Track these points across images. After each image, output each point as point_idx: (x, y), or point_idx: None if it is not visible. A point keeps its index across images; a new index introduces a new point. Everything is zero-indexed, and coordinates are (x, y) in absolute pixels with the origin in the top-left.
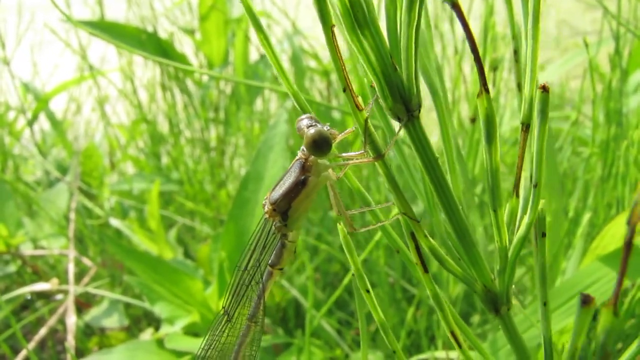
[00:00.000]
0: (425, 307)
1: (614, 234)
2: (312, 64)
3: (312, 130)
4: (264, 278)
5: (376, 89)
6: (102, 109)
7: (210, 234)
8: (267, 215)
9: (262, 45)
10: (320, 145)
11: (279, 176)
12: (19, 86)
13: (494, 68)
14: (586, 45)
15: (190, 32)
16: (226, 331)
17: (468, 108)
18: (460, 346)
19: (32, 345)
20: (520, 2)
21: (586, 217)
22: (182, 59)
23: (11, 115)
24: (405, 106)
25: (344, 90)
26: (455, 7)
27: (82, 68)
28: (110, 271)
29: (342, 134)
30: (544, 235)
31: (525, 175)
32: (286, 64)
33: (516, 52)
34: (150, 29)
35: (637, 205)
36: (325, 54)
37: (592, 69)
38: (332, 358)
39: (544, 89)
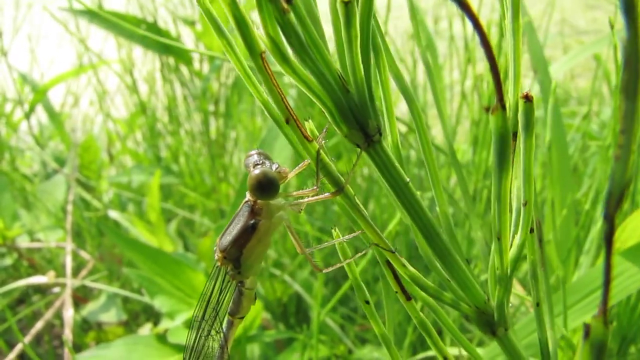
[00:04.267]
0: None
1: (634, 227)
2: None
3: (256, 171)
4: (224, 328)
5: (327, 115)
6: (101, 100)
7: (211, 227)
8: (218, 263)
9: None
10: (264, 187)
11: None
12: (16, 77)
13: None
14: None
15: (191, 23)
16: None
17: (478, 100)
18: None
19: (28, 339)
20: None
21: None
22: (182, 50)
23: (8, 106)
24: (362, 131)
25: (287, 122)
26: (464, 6)
27: (80, 58)
28: (108, 265)
29: (294, 170)
30: (541, 241)
31: (517, 185)
32: None
33: None
34: (150, 19)
35: None
36: None
37: (602, 64)
38: (335, 354)
39: (527, 99)
